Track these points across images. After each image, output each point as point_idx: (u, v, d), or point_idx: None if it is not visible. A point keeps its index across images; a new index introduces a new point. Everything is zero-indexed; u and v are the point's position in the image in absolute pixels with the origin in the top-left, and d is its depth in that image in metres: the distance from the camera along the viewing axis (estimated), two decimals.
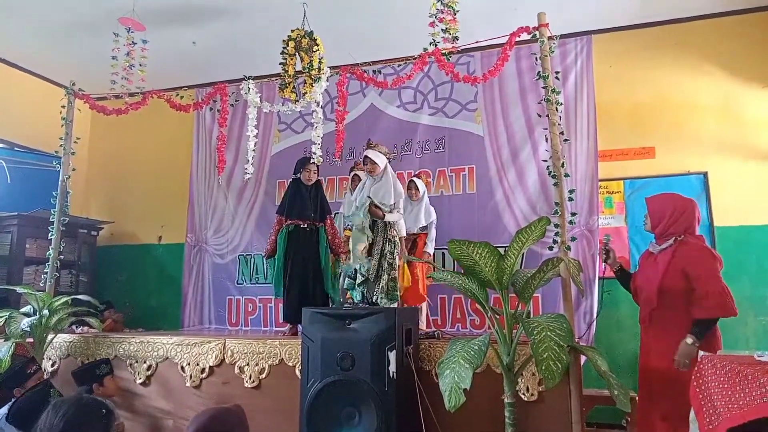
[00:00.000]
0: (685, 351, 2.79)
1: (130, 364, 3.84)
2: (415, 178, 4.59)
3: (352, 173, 4.85)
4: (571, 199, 3.37)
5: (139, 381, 3.78)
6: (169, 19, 4.99)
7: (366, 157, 3.98)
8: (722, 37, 4.90)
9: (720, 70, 4.87)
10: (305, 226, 4.20)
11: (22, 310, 4.15)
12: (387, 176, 3.98)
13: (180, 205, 6.21)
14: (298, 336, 3.94)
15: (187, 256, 6.05)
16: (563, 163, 3.29)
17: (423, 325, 4.10)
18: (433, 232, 4.51)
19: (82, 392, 2.08)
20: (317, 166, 4.31)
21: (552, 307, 4.51)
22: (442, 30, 3.64)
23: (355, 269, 3.86)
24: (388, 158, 4.07)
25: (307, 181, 4.27)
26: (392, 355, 2.87)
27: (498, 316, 2.91)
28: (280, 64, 4.18)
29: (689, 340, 2.79)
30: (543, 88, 3.42)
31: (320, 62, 4.17)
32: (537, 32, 3.48)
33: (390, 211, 3.91)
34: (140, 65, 4.58)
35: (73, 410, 1.92)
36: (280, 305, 4.57)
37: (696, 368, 2.24)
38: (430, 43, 3.70)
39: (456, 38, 3.67)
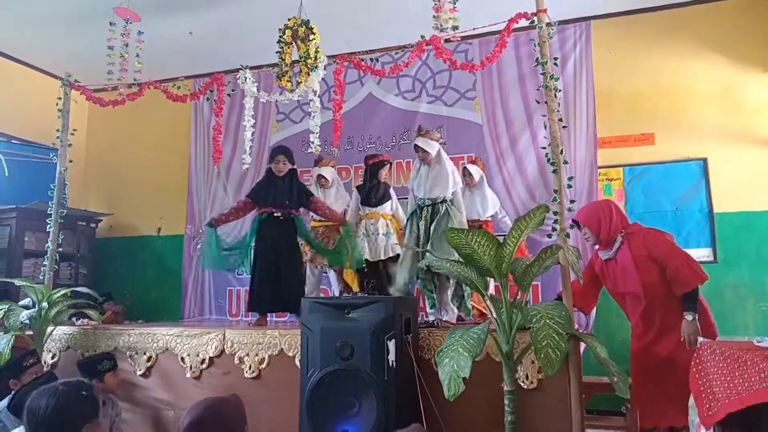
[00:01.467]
0: (690, 328, 2.84)
1: (130, 356, 3.83)
2: (468, 165, 4.55)
3: (317, 172, 4.81)
4: (570, 187, 3.34)
5: (139, 372, 3.78)
6: (165, 9, 4.95)
7: (416, 145, 3.97)
8: (722, 22, 4.86)
9: (719, 56, 4.83)
10: (279, 214, 4.16)
11: (21, 302, 4.15)
12: (441, 164, 3.95)
13: (179, 197, 6.21)
14: (265, 326, 3.97)
15: (186, 248, 6.05)
16: (562, 150, 3.26)
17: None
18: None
19: (58, 384, 2.06)
20: (287, 157, 4.23)
21: (551, 295, 4.50)
22: (434, 17, 3.61)
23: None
24: (442, 144, 4.04)
25: (277, 172, 4.22)
26: (391, 344, 2.87)
27: (497, 305, 2.90)
28: (277, 53, 4.14)
29: (689, 317, 2.86)
30: (542, 74, 3.38)
31: (317, 51, 4.13)
32: (535, 18, 3.45)
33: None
34: (136, 56, 4.54)
35: (59, 401, 1.92)
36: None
37: (695, 354, 2.24)
38: (433, 26, 3.67)
39: (456, 27, 3.64)
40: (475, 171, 4.50)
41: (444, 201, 3.92)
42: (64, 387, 2.01)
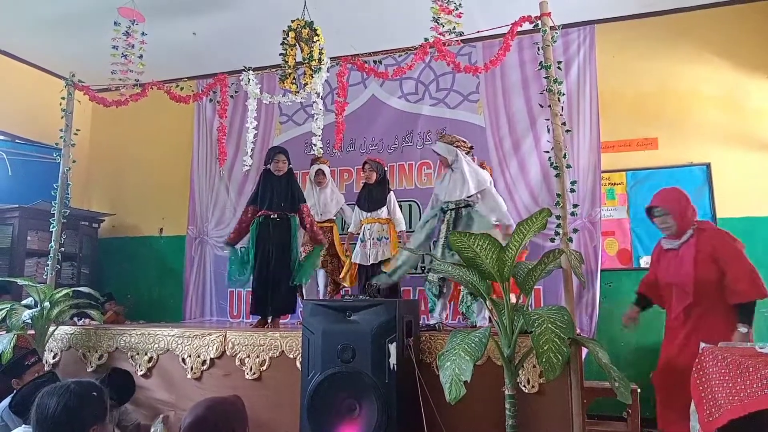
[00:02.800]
0: (742, 340, 2.74)
1: (131, 356, 3.84)
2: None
3: (316, 167, 4.86)
4: (573, 191, 3.34)
5: (140, 373, 3.78)
6: (169, 10, 4.96)
7: (433, 150, 4.02)
8: (726, 26, 4.85)
9: (724, 60, 4.82)
10: (276, 216, 4.17)
11: (24, 302, 4.15)
12: (460, 167, 3.92)
13: (181, 197, 6.21)
14: (265, 329, 3.94)
15: (188, 248, 6.06)
16: (565, 154, 3.26)
17: None
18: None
19: (70, 383, 2.04)
20: (286, 157, 4.26)
21: (553, 299, 4.50)
22: (433, 19, 3.62)
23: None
24: (459, 146, 4.00)
25: (277, 172, 4.23)
26: (393, 347, 2.86)
27: (499, 308, 2.89)
28: (280, 54, 4.16)
29: (743, 329, 2.78)
30: (545, 78, 3.38)
31: (320, 53, 4.14)
32: (539, 21, 3.45)
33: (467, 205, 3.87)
34: (140, 57, 4.55)
35: (69, 400, 1.91)
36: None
37: (697, 360, 2.23)
38: (431, 29, 3.67)
39: (461, 33, 3.64)
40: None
41: (467, 205, 3.87)
42: (75, 387, 1.99)
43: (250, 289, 4.30)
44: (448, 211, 3.91)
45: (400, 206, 4.71)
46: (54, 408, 1.89)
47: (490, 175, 4.64)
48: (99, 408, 1.99)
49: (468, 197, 3.87)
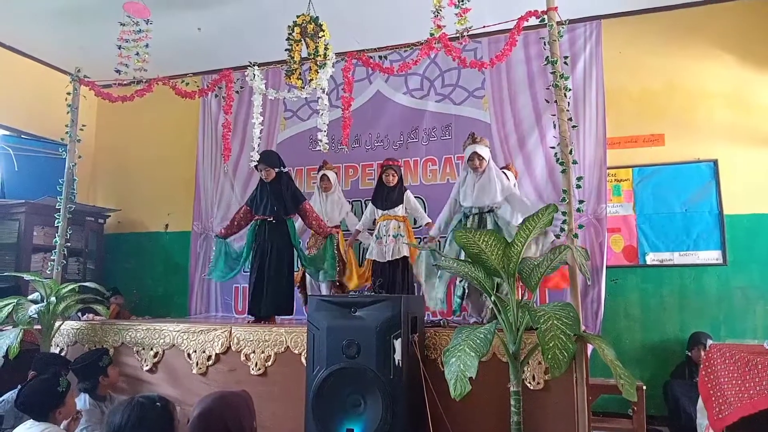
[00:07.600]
0: None
1: (137, 351, 3.85)
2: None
3: (321, 173, 4.89)
4: (578, 187, 3.32)
5: (145, 368, 3.79)
6: (174, 5, 4.94)
7: (474, 153, 3.82)
8: (733, 22, 4.81)
9: (731, 56, 4.79)
10: (272, 219, 4.20)
11: (30, 297, 4.16)
12: (490, 171, 3.86)
13: (186, 193, 6.22)
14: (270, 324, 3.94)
15: (193, 244, 6.06)
16: (571, 150, 3.25)
17: None
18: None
19: (136, 398, 2.08)
20: (266, 164, 4.25)
21: (559, 296, 4.49)
22: (435, 12, 3.60)
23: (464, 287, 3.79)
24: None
25: (266, 179, 4.26)
26: (398, 343, 2.87)
27: (504, 305, 2.89)
28: (286, 50, 4.14)
29: None
30: (551, 73, 3.36)
31: (326, 48, 4.13)
32: (545, 16, 3.43)
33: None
34: (138, 53, 4.52)
35: (136, 415, 1.96)
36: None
37: (705, 357, 2.22)
38: (433, 18, 3.65)
39: (467, 30, 3.63)
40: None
41: (491, 211, 3.82)
42: (141, 399, 2.05)
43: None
44: (471, 216, 3.86)
45: None
46: (119, 422, 1.95)
47: (516, 177, 4.61)
48: (166, 417, 2.05)
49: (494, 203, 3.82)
